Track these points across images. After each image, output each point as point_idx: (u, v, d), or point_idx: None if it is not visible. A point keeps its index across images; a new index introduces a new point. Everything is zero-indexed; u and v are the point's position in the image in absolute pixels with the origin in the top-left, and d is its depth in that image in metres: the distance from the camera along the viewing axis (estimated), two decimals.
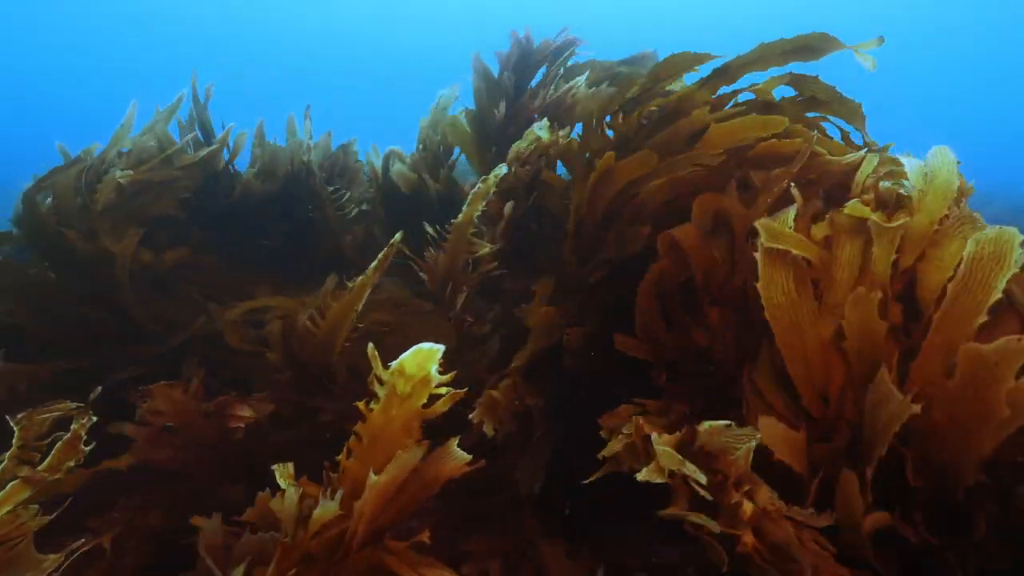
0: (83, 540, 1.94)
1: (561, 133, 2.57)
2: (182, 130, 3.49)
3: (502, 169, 2.46)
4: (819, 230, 1.91)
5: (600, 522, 2.16)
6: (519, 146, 2.38)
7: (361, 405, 1.59)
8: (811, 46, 2.41)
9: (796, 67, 2.45)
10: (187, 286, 2.98)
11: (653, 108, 2.46)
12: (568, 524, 2.19)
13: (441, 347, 1.59)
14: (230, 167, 3.43)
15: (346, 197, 3.48)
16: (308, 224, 3.41)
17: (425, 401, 1.61)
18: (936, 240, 1.80)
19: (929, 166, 1.90)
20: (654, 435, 1.69)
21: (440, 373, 1.60)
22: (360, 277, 2.16)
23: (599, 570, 2.01)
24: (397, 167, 3.30)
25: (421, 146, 3.39)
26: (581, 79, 3.01)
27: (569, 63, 3.43)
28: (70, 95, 69.61)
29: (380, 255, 2.11)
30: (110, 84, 69.97)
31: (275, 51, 72.02)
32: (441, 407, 1.63)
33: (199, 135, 3.41)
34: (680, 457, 1.62)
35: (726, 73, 2.41)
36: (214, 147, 3.07)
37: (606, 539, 2.11)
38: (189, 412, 2.33)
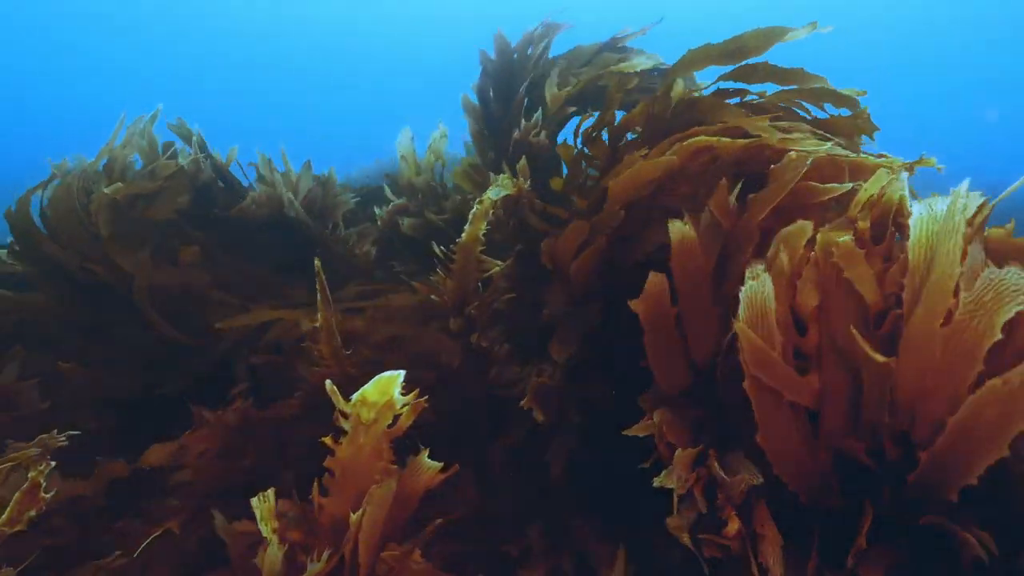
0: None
1: (520, 180, 2.42)
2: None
3: (496, 192, 2.31)
4: (808, 293, 1.59)
5: (636, 506, 2.10)
6: (485, 208, 2.21)
7: (328, 440, 1.54)
8: (743, 47, 2.31)
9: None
10: (216, 293, 2.83)
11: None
12: (603, 506, 2.16)
13: (402, 372, 1.54)
14: (221, 182, 3.25)
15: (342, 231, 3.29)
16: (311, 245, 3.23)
17: (390, 423, 1.57)
18: (927, 389, 1.41)
19: (934, 232, 1.48)
20: (678, 451, 1.65)
21: (403, 394, 1.55)
22: (319, 314, 2.11)
23: (621, 548, 1.95)
24: (407, 222, 3.13)
25: (420, 195, 3.20)
26: (538, 116, 2.72)
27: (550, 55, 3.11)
28: (68, 95, 68.03)
29: (318, 288, 1.95)
30: (112, 84, 68.26)
31: (277, 49, 69.80)
32: (405, 422, 1.59)
33: (188, 148, 3.23)
34: (683, 479, 1.60)
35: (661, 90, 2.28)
36: (190, 160, 2.96)
37: (643, 521, 2.03)
38: (221, 436, 2.32)
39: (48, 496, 1.54)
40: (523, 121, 2.61)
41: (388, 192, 3.38)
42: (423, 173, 3.12)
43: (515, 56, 2.85)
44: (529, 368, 2.35)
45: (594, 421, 2.21)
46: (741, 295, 1.54)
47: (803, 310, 1.56)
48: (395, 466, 1.61)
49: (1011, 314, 1.26)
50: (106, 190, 2.53)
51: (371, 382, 1.51)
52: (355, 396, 1.50)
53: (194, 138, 3.12)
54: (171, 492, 2.25)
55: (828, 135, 2.22)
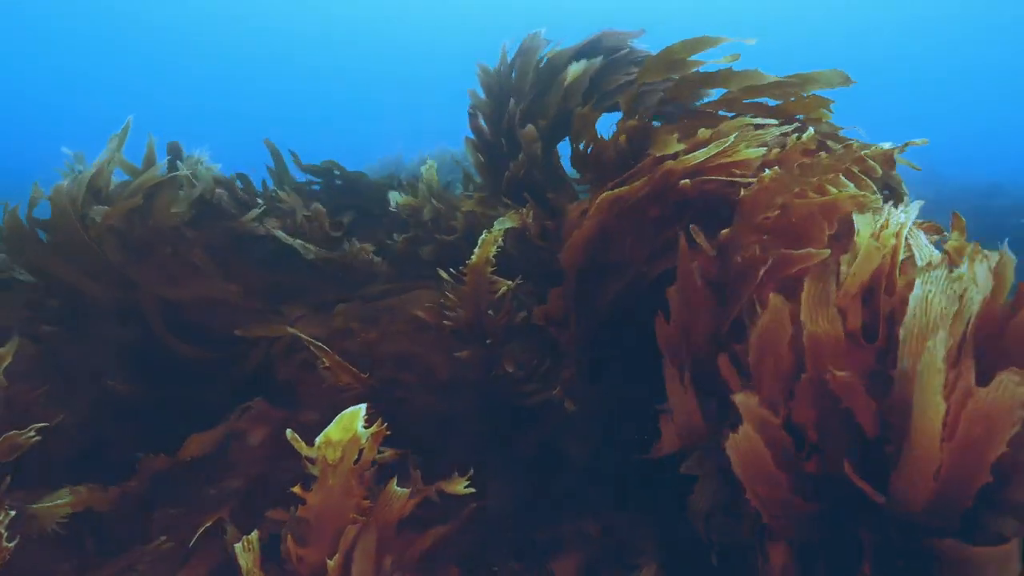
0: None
1: (524, 211, 2.36)
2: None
3: (504, 223, 2.26)
4: (804, 411, 1.37)
5: (661, 492, 1.98)
6: (494, 236, 2.13)
7: (297, 490, 1.45)
8: (673, 59, 2.24)
9: None
10: (239, 301, 2.71)
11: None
12: (630, 494, 2.04)
13: (363, 406, 1.44)
14: (224, 193, 3.14)
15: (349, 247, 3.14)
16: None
17: (356, 459, 1.47)
18: (918, 517, 1.25)
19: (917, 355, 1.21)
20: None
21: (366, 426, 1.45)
22: (326, 360, 2.03)
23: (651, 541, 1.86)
24: (425, 250, 3.04)
25: (428, 223, 3.03)
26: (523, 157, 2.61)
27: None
28: (66, 103, 65.90)
29: (311, 346, 1.84)
30: (137, 78, 67.26)
31: (283, 46, 69.22)
32: (369, 455, 1.49)
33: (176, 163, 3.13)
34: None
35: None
36: (180, 175, 2.79)
37: (668, 508, 1.91)
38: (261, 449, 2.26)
39: (11, 545, 1.42)
40: (511, 163, 2.52)
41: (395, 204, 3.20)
42: (426, 205, 2.96)
43: (500, 81, 2.73)
44: (546, 364, 2.25)
45: (619, 410, 2.12)
46: (728, 449, 1.34)
47: (800, 421, 1.39)
48: (367, 501, 1.52)
49: (1004, 447, 1.10)
50: (97, 218, 2.44)
51: (333, 422, 1.42)
52: (319, 439, 1.42)
53: (186, 158, 3.03)
54: (209, 484, 2.18)
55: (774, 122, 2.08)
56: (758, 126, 1.99)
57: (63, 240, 2.39)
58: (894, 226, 1.43)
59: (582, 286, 2.00)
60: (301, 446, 1.39)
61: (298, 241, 2.82)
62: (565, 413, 2.10)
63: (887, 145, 2.01)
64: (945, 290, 1.17)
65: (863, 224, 1.46)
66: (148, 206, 2.60)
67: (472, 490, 1.75)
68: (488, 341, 2.18)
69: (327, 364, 2.08)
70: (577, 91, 2.48)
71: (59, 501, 1.86)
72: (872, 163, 1.91)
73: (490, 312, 2.16)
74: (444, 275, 2.29)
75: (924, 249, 1.45)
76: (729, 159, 1.82)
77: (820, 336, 1.36)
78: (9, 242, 2.42)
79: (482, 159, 2.78)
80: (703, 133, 1.92)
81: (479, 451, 2.20)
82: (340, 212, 3.65)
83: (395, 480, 1.55)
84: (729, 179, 1.79)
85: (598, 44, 2.68)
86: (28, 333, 2.38)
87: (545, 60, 2.65)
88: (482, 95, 2.74)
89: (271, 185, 3.76)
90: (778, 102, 2.25)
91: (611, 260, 1.95)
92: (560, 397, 2.07)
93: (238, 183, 3.35)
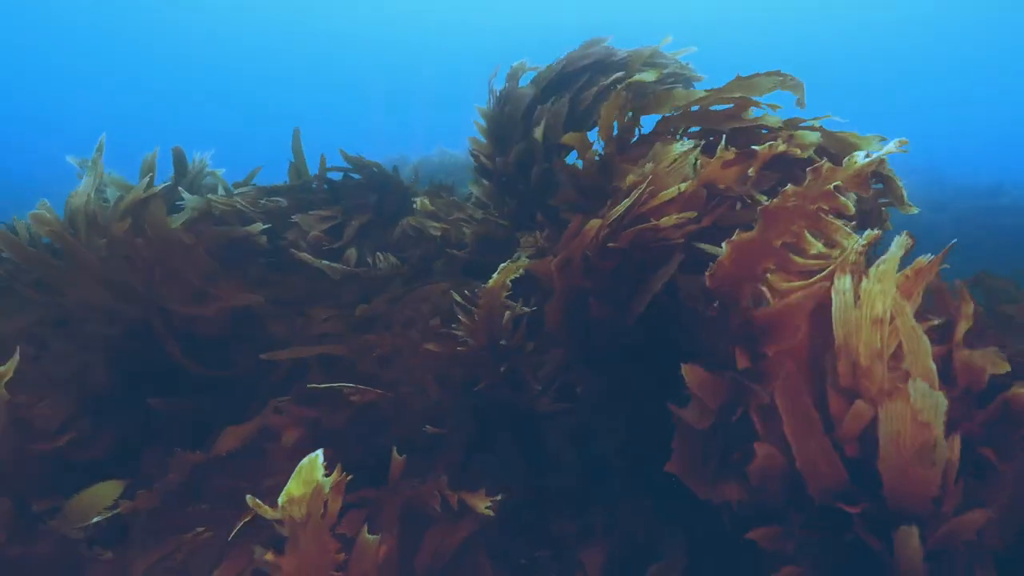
0: None
1: (538, 235, 2.32)
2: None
3: (523, 254, 2.25)
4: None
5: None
6: (517, 266, 2.05)
7: (270, 556, 1.34)
8: (630, 68, 2.30)
9: None
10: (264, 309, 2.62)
11: None
12: (655, 488, 1.91)
13: (320, 451, 1.32)
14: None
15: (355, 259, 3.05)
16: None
17: (323, 512, 1.36)
18: None
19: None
20: None
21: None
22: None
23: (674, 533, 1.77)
24: (438, 264, 3.00)
25: (438, 239, 2.97)
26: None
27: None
28: (70, 99, 61.71)
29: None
30: (122, 95, 62.93)
31: (283, 59, 66.91)
32: (334, 506, 1.37)
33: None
34: None
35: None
36: (166, 184, 2.74)
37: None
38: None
39: None
40: (507, 198, 2.58)
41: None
42: (432, 226, 2.87)
43: (493, 125, 2.68)
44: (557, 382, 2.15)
45: (643, 405, 1.98)
46: None
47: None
48: (342, 554, 1.40)
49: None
50: (102, 252, 2.32)
51: (292, 477, 1.30)
52: (281, 497, 1.30)
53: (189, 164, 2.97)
54: (244, 481, 2.07)
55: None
56: (679, 155, 1.85)
57: (73, 265, 2.29)
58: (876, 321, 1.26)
59: (574, 347, 1.94)
60: (265, 511, 1.31)
61: (324, 262, 2.79)
62: (575, 418, 1.99)
63: (861, 158, 1.68)
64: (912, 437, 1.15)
65: (840, 319, 1.31)
66: (142, 222, 2.45)
67: (491, 513, 1.63)
68: (502, 369, 2.02)
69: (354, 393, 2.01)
70: (555, 131, 2.44)
71: (113, 511, 1.78)
72: (844, 200, 1.62)
73: (503, 342, 2.01)
74: (457, 297, 2.18)
75: (911, 338, 1.29)
76: (648, 206, 1.72)
77: (821, 472, 1.32)
78: (14, 258, 2.32)
79: (490, 186, 2.79)
80: (630, 178, 1.83)
81: (488, 451, 2.09)
82: (359, 210, 3.55)
83: (366, 528, 1.46)
84: (652, 227, 1.68)
85: (568, 70, 2.59)
86: (33, 344, 2.29)
87: (527, 101, 2.60)
88: (482, 139, 2.76)
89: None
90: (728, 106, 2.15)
91: (588, 317, 1.86)
92: (582, 394, 1.96)
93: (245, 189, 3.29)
